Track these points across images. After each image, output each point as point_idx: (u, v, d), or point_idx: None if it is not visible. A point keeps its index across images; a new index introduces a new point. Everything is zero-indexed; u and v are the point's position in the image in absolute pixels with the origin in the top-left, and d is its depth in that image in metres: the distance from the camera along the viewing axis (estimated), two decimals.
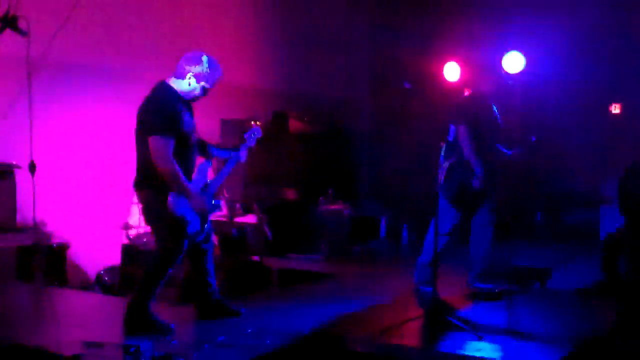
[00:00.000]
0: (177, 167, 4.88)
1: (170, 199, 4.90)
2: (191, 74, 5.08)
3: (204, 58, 5.13)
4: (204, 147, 5.41)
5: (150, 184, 4.98)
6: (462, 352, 4.58)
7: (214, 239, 7.32)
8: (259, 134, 5.78)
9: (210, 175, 5.37)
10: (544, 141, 6.30)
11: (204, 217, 5.12)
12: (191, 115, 5.18)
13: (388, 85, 11.31)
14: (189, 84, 5.09)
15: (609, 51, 10.23)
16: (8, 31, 3.79)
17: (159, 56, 8.84)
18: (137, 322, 4.98)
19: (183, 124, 5.00)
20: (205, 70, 5.10)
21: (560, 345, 4.72)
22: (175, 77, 5.13)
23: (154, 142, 4.86)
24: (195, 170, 5.22)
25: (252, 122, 9.47)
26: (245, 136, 5.70)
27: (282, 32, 10.95)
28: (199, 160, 5.32)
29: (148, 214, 5.20)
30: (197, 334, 4.86)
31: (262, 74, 10.65)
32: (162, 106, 4.97)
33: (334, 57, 11.73)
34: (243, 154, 5.58)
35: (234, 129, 9.63)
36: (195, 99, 5.19)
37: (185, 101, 5.12)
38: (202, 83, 5.11)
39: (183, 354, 4.27)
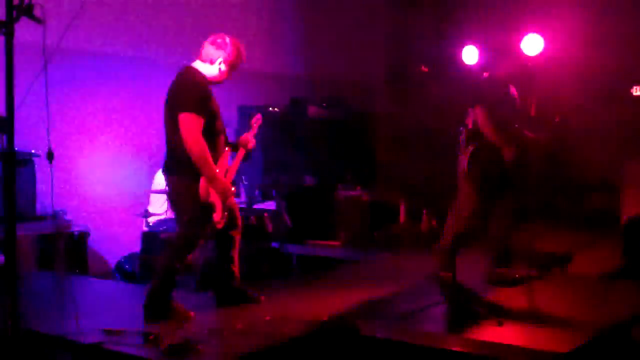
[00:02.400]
0: (206, 147, 4.88)
1: (201, 184, 4.90)
2: (221, 59, 5.11)
3: (228, 39, 5.15)
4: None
5: (180, 169, 4.99)
6: (482, 337, 4.56)
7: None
8: (259, 122, 5.73)
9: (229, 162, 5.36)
10: (566, 122, 6.23)
11: (224, 203, 5.11)
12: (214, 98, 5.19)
13: (406, 69, 11.24)
14: (220, 69, 5.14)
15: (630, 33, 10.10)
16: (24, 19, 3.78)
17: (175, 43, 8.85)
18: (157, 308, 4.99)
19: (212, 104, 5.02)
20: (233, 53, 5.12)
21: (582, 330, 4.68)
22: (202, 61, 5.14)
23: (185, 119, 4.85)
24: (221, 157, 5.21)
25: (270, 108, 9.46)
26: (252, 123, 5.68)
27: (300, 18, 10.92)
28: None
29: (175, 199, 5.22)
30: (215, 321, 4.86)
31: (280, 60, 10.63)
32: (194, 85, 4.98)
33: (352, 41, 11.68)
34: (251, 143, 5.53)
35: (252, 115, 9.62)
36: (220, 83, 5.20)
37: (210, 86, 5.13)
38: (230, 67, 5.15)
39: (202, 341, 4.27)
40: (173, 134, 4.98)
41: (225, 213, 5.13)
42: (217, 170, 5.02)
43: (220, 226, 5.11)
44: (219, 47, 5.12)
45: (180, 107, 4.89)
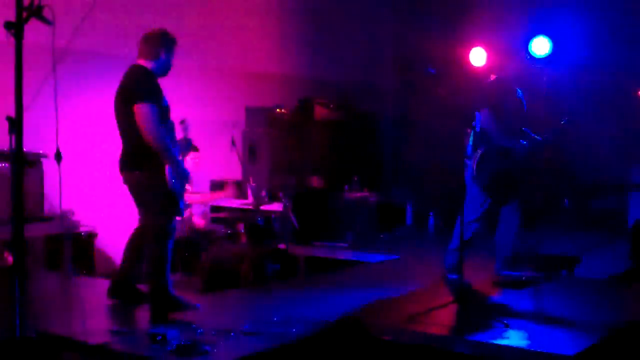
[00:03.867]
0: (164, 133, 5.00)
1: (167, 172, 4.97)
2: (163, 50, 5.21)
3: (161, 31, 5.30)
4: None
5: (141, 163, 5.07)
6: (489, 339, 4.55)
7: (240, 226, 7.36)
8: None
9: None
10: (574, 124, 6.22)
11: (182, 191, 5.21)
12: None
13: (413, 71, 11.24)
14: (163, 59, 5.23)
15: (637, 34, 10.09)
16: (33, 20, 3.79)
17: (184, 44, 8.85)
18: (162, 304, 5.05)
19: (162, 99, 5.11)
20: (170, 42, 5.26)
21: (588, 333, 4.67)
22: (145, 59, 5.23)
23: (141, 109, 4.96)
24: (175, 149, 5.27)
25: (277, 109, 9.47)
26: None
27: (307, 19, 10.92)
28: None
29: (141, 194, 5.25)
30: (223, 322, 4.86)
31: (287, 61, 10.63)
32: (144, 78, 5.12)
33: (359, 43, 11.69)
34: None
35: (259, 116, 9.65)
36: (164, 74, 5.30)
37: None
38: (170, 57, 5.26)
39: (209, 342, 4.28)
40: (128, 128, 5.08)
41: (186, 201, 5.19)
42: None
43: (185, 210, 5.17)
44: (155, 41, 5.23)
45: (134, 100, 5.00)
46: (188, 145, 6.18)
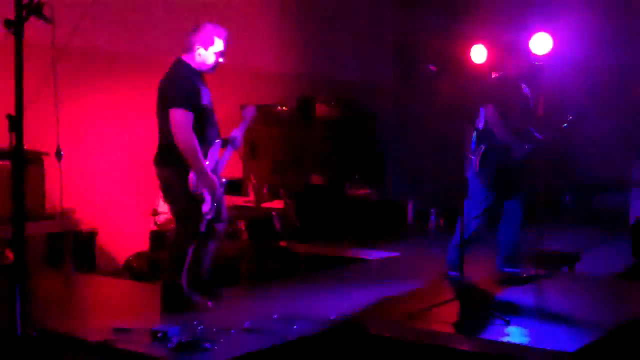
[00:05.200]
0: (195, 141, 4.95)
1: (190, 176, 4.96)
2: (197, 44, 5.13)
3: (205, 25, 5.20)
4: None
5: (171, 162, 5.05)
6: (490, 336, 4.55)
7: (241, 224, 7.34)
8: (251, 114, 5.68)
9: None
10: (579, 121, 6.21)
11: (213, 196, 5.15)
12: (208, 90, 5.23)
13: (414, 68, 11.24)
14: (199, 55, 5.15)
15: (638, 32, 10.08)
16: (33, 18, 3.79)
17: (184, 42, 8.85)
18: (173, 301, 5.07)
19: (201, 98, 5.06)
20: (209, 36, 5.14)
21: (589, 329, 4.67)
22: (185, 52, 5.19)
23: (174, 114, 4.94)
24: (211, 148, 5.22)
25: (278, 107, 9.46)
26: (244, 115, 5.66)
27: (307, 16, 10.91)
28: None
29: (167, 192, 5.27)
30: (224, 320, 4.86)
31: (287, 58, 10.63)
32: (181, 80, 5.05)
33: (360, 40, 11.68)
34: (238, 137, 5.48)
35: (260, 114, 9.63)
36: (211, 69, 5.23)
37: (201, 75, 5.20)
38: (211, 49, 5.15)
39: (210, 339, 4.28)
40: (164, 127, 5.06)
41: (215, 205, 5.16)
42: (207, 163, 5.08)
43: (209, 217, 5.14)
44: (193, 34, 5.17)
45: (169, 104, 4.98)
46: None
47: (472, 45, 9.10)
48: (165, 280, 5.19)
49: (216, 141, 5.24)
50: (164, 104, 5.03)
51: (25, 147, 3.76)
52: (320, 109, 10.58)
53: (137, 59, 8.50)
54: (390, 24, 12.20)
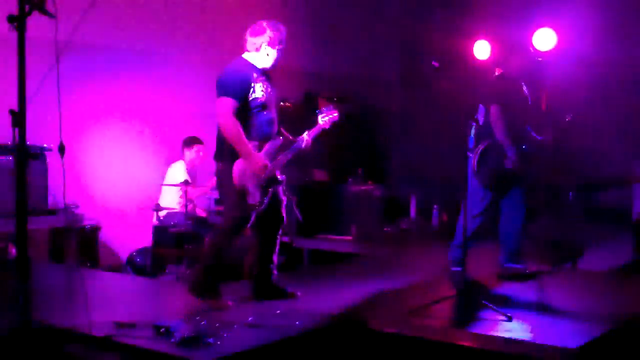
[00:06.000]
0: (239, 128, 5.02)
1: (234, 167, 5.03)
2: (264, 44, 5.23)
3: (265, 24, 5.29)
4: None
5: (221, 155, 5.19)
6: (492, 332, 4.56)
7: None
8: (332, 118, 5.78)
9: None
10: (576, 120, 6.21)
11: (265, 191, 5.17)
12: (271, 86, 5.32)
13: (417, 63, 11.22)
14: (267, 54, 5.27)
15: None
16: (36, 14, 3.79)
17: (186, 37, 8.87)
18: (201, 287, 5.15)
19: (253, 91, 5.12)
20: (273, 34, 5.25)
21: (591, 326, 4.67)
22: (249, 52, 5.29)
23: (218, 103, 5.08)
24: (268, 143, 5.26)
25: (282, 103, 9.45)
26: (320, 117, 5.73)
27: (311, 12, 10.90)
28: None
29: (218, 184, 5.45)
30: (226, 314, 4.87)
31: (291, 54, 10.58)
32: (231, 72, 5.17)
33: (363, 36, 11.66)
34: (302, 141, 5.54)
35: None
36: (273, 66, 5.34)
37: (264, 72, 5.30)
38: (277, 47, 5.27)
39: (212, 334, 4.28)
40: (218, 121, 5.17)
41: (266, 200, 5.17)
42: (266, 158, 5.15)
43: (259, 209, 5.15)
44: (258, 33, 5.26)
45: (217, 92, 5.12)
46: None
47: (476, 41, 9.08)
48: (198, 266, 5.33)
49: (276, 139, 5.30)
50: (217, 95, 5.14)
51: (28, 142, 3.77)
52: (324, 105, 10.54)
53: (140, 55, 8.51)
54: (395, 20, 12.17)
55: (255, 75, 5.19)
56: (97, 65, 8.08)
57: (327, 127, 5.73)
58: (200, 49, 8.99)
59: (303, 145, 5.51)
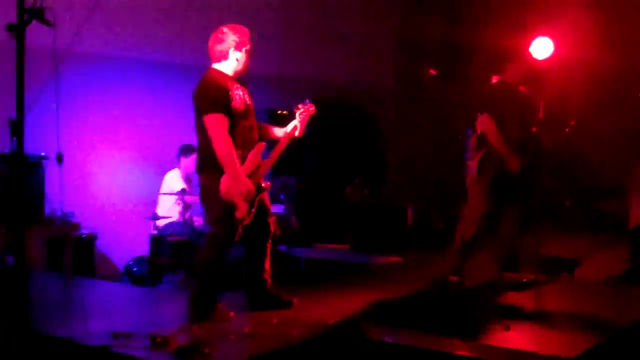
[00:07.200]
0: (232, 145, 4.98)
1: (222, 182, 4.96)
2: (231, 49, 5.18)
3: (225, 29, 5.23)
4: (260, 128, 5.44)
5: (206, 168, 5.11)
6: (489, 342, 4.55)
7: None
8: (309, 112, 5.73)
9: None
10: (573, 129, 6.22)
11: (251, 202, 5.14)
12: (248, 93, 5.27)
13: (415, 71, 11.23)
14: (237, 59, 5.21)
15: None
16: (35, 23, 3.80)
17: (185, 46, 8.86)
18: (200, 308, 5.06)
19: (232, 100, 5.07)
20: (237, 37, 5.20)
21: (588, 335, 4.67)
22: (217, 61, 5.23)
23: (207, 121, 4.99)
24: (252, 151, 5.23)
25: (279, 111, 9.47)
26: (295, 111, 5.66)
27: (309, 20, 10.91)
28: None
29: (202, 197, 5.32)
30: (222, 324, 4.86)
31: (289, 62, 10.62)
32: (210, 85, 5.08)
33: (362, 44, 11.67)
34: (284, 137, 5.52)
35: (261, 117, 9.64)
36: (244, 70, 5.27)
37: (237, 80, 5.23)
38: (244, 48, 5.21)
39: (209, 344, 4.28)
40: (200, 134, 5.11)
41: (253, 210, 5.14)
42: (250, 168, 5.12)
43: (246, 222, 5.12)
44: (221, 40, 5.20)
45: (203, 110, 5.02)
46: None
47: (474, 48, 9.11)
48: (193, 287, 5.22)
49: (258, 144, 5.26)
50: (199, 112, 5.07)
51: (25, 151, 3.77)
52: (322, 113, 10.55)
53: (138, 63, 8.51)
54: (392, 27, 12.19)
55: (230, 84, 5.14)
56: (96, 74, 8.08)
57: (305, 121, 5.63)
58: (199, 57, 8.98)
59: (284, 143, 5.48)
